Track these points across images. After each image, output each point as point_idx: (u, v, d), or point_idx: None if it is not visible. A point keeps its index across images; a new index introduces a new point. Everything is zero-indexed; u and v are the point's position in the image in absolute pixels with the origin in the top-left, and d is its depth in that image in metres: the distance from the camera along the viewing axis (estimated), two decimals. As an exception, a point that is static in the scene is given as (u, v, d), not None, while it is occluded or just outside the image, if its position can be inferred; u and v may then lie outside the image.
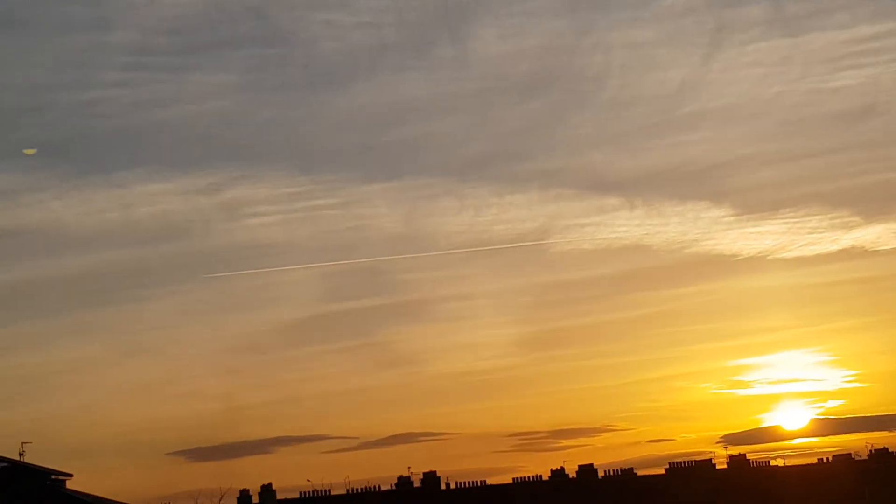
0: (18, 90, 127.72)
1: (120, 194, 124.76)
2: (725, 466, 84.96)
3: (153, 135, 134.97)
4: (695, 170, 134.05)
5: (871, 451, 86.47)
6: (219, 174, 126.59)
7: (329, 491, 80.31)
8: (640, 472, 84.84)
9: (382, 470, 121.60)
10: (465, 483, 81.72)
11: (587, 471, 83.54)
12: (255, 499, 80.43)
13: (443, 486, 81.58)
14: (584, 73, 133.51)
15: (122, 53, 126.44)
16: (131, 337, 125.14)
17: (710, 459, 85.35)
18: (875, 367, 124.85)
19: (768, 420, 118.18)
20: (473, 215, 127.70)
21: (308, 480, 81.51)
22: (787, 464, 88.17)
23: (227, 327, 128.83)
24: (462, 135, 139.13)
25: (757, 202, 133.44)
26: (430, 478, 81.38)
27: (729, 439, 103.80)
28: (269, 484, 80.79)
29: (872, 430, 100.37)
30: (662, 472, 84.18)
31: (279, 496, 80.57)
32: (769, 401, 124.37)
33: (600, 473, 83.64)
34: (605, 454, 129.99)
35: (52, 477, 65.01)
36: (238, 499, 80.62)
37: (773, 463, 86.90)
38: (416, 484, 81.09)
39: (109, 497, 67.82)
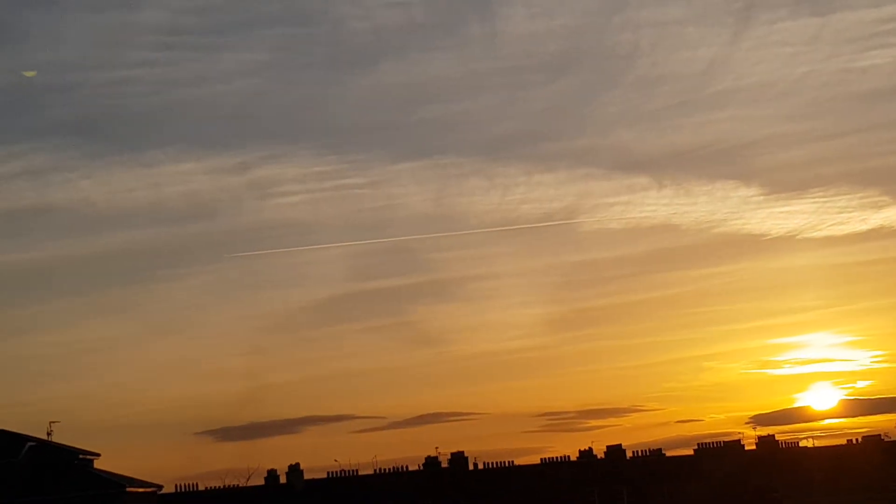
0: (48, 69, 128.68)
1: (149, 173, 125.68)
2: (754, 447, 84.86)
3: (182, 114, 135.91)
4: (723, 149, 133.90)
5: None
6: (247, 153, 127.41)
7: (356, 471, 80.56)
8: (668, 453, 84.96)
9: (410, 450, 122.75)
10: (492, 463, 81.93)
11: (615, 451, 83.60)
12: (283, 478, 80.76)
13: (470, 467, 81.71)
14: (613, 51, 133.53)
15: (151, 33, 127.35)
16: (159, 316, 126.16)
17: (739, 440, 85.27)
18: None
19: (797, 401, 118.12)
20: (502, 194, 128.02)
21: (335, 460, 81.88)
22: (816, 444, 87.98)
23: (256, 306, 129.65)
24: (490, 114, 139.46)
25: (786, 181, 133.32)
26: (458, 458, 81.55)
27: (758, 420, 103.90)
28: (297, 464, 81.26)
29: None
30: (691, 452, 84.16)
31: (306, 476, 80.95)
32: (798, 381, 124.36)
33: (628, 454, 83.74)
34: (634, 434, 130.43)
35: (80, 456, 65.69)
36: (265, 478, 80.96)
37: (802, 444, 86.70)
38: (444, 464, 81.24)
39: (137, 476, 68.41)
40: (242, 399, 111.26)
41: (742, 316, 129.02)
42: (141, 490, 66.36)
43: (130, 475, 68.07)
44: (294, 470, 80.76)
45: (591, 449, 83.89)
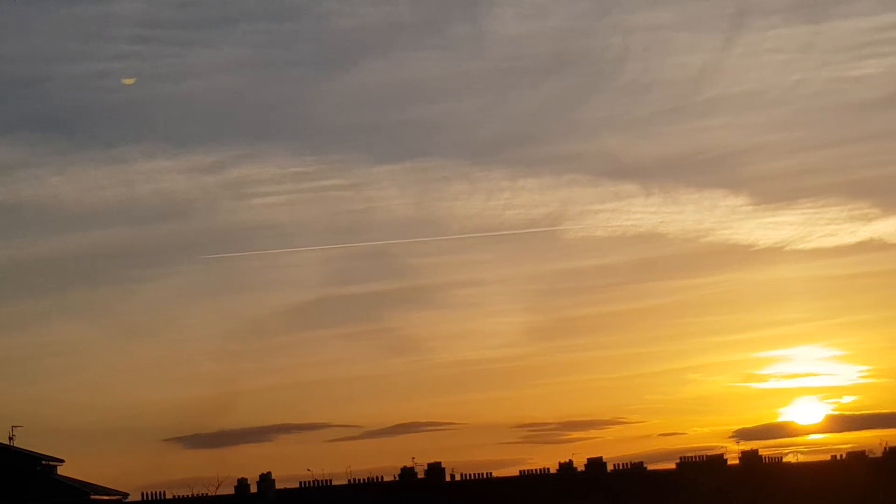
0: (19, 61, 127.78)
1: (121, 171, 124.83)
2: (737, 462, 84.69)
3: (157, 110, 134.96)
4: (713, 157, 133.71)
5: (885, 448, 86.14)
6: (224, 152, 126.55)
7: (330, 481, 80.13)
8: (650, 466, 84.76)
9: (386, 460, 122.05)
10: (470, 475, 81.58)
11: (596, 464, 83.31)
12: (254, 488, 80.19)
13: (447, 478, 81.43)
14: (603, 55, 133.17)
15: (126, 25, 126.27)
16: (129, 318, 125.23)
17: (722, 454, 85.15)
18: (891, 363, 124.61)
19: (782, 415, 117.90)
20: (485, 199, 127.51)
21: (308, 470, 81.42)
22: (800, 460, 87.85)
23: (229, 310, 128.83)
24: (475, 116, 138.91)
25: (775, 191, 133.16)
26: (435, 469, 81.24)
27: (742, 434, 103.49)
28: (269, 473, 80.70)
29: (887, 427, 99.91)
30: (673, 466, 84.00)
31: (278, 486, 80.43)
32: (783, 395, 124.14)
33: (609, 467, 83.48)
34: (615, 447, 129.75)
35: (43, 462, 64.94)
36: (235, 488, 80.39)
37: (786, 459, 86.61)
38: (421, 475, 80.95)
39: (102, 484, 67.75)
40: (213, 405, 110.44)
41: (727, 328, 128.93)
42: (106, 498, 65.66)
43: (95, 482, 67.51)
44: (265, 479, 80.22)
45: (571, 462, 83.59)
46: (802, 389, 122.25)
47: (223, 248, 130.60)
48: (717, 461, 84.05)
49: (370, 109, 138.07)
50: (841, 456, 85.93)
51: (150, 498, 77.23)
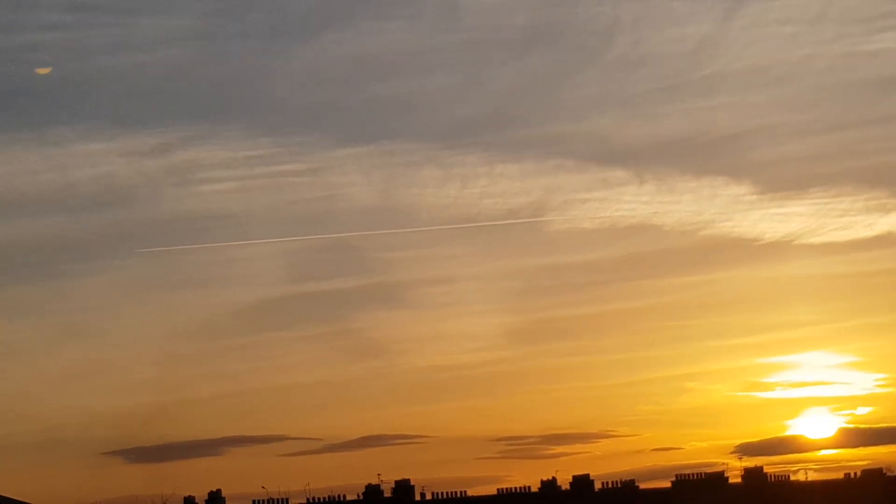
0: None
1: (54, 154, 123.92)
2: (740, 480, 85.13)
3: (94, 86, 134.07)
4: (712, 140, 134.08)
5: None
6: (168, 133, 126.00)
7: (287, 500, 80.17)
8: (642, 485, 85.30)
9: (349, 477, 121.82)
10: (442, 493, 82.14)
11: (582, 482, 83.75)
12: (201, 507, 79.64)
13: (417, 497, 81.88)
14: (590, 26, 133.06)
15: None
16: (63, 318, 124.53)
17: (723, 472, 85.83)
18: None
19: (790, 428, 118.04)
20: (460, 187, 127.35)
21: (263, 487, 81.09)
22: (809, 478, 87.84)
23: (174, 309, 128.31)
24: (448, 94, 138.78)
25: (782, 179, 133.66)
26: (403, 486, 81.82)
27: (745, 449, 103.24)
28: (218, 490, 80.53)
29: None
30: (668, 485, 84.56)
31: (228, 504, 79.84)
32: (791, 406, 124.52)
33: (597, 485, 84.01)
34: (604, 463, 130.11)
35: (-35, 478, 63.75)
36: (181, 507, 79.82)
37: (793, 477, 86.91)
38: (387, 493, 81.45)
39: (32, 502, 66.53)
40: (157, 415, 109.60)
41: (729, 331, 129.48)
42: (35, 518, 64.55)
43: (25, 500, 66.17)
44: (215, 497, 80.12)
45: (554, 479, 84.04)
46: (812, 400, 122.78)
47: (168, 240, 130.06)
48: (718, 479, 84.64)
49: (332, 86, 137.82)
50: (855, 474, 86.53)
51: (84, 518, 76.52)
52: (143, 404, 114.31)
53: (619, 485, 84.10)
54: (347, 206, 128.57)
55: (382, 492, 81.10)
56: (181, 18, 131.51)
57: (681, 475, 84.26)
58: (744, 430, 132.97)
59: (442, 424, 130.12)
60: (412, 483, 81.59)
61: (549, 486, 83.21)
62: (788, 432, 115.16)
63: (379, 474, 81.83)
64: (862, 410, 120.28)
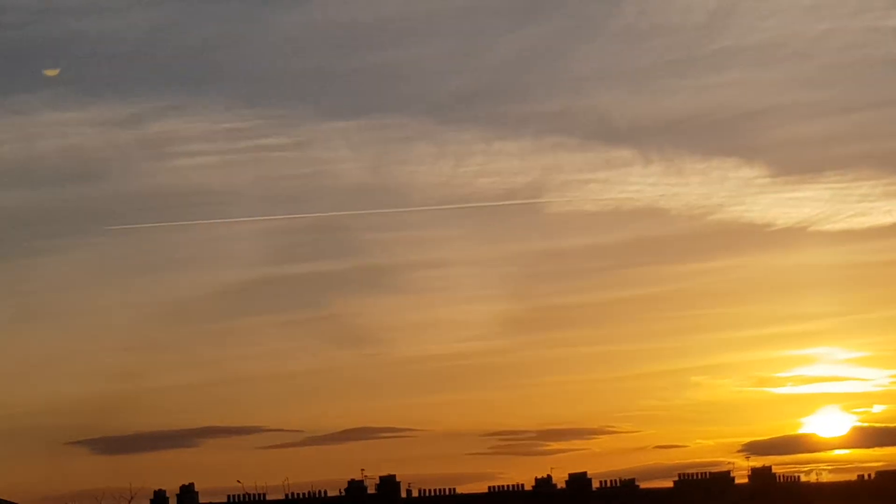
0: None
1: (19, 124, 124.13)
2: (747, 480, 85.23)
3: (63, 51, 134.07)
4: (723, 119, 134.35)
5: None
6: (143, 103, 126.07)
7: (264, 495, 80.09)
8: (643, 485, 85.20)
9: (330, 471, 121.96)
10: (430, 491, 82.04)
11: (579, 480, 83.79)
12: (173, 501, 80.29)
13: (403, 494, 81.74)
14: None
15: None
16: (28, 299, 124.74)
17: (729, 472, 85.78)
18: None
19: (801, 426, 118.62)
20: (454, 165, 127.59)
21: (238, 481, 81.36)
22: (820, 479, 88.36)
23: (147, 291, 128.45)
24: (443, 65, 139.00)
25: (796, 162, 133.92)
26: (389, 483, 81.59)
27: (752, 448, 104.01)
28: (191, 484, 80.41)
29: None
30: (670, 484, 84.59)
31: (202, 499, 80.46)
32: (803, 403, 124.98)
33: (595, 484, 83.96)
34: (603, 461, 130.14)
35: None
36: (151, 501, 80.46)
37: (804, 478, 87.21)
38: (371, 490, 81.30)
39: (-7, 494, 67.53)
40: (126, 403, 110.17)
41: (738, 322, 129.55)
42: (-3, 511, 65.44)
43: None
44: (187, 491, 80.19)
45: (549, 477, 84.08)
46: (825, 396, 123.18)
47: (141, 217, 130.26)
48: (723, 479, 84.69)
49: (319, 54, 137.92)
50: (869, 475, 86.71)
51: (49, 511, 77.20)
52: (112, 391, 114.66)
53: (618, 484, 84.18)
54: (334, 183, 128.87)
55: (366, 488, 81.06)
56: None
57: (684, 475, 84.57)
58: (752, 427, 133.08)
59: (431, 417, 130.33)
60: (398, 479, 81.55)
61: (544, 484, 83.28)
62: (799, 430, 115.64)
63: (363, 469, 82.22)
64: (877, 408, 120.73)
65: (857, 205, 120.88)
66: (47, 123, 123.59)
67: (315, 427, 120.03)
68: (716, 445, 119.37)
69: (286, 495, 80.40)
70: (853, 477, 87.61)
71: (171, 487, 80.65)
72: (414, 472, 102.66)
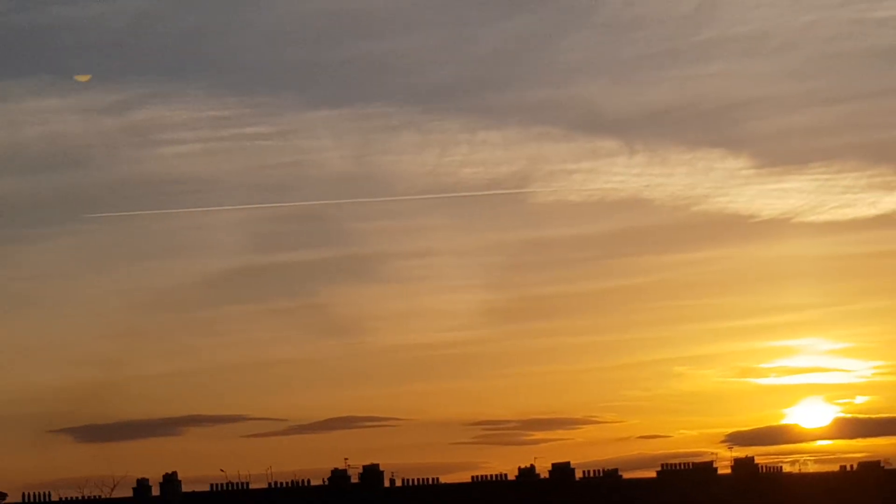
0: None
1: (2, 111, 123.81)
2: (729, 471, 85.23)
3: (46, 37, 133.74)
4: (708, 110, 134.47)
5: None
6: (127, 90, 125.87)
7: (247, 484, 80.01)
8: (626, 474, 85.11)
9: (314, 460, 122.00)
10: (413, 480, 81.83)
11: (562, 470, 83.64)
12: (156, 490, 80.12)
13: (387, 483, 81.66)
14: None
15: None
16: (9, 286, 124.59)
17: (712, 462, 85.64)
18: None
19: (784, 417, 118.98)
20: (439, 154, 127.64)
21: (222, 470, 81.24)
22: (803, 470, 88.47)
23: (130, 279, 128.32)
24: (428, 55, 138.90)
25: (781, 153, 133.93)
26: (372, 472, 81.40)
27: (735, 438, 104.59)
28: (174, 473, 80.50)
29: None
30: (653, 474, 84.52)
31: (185, 488, 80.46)
32: (786, 394, 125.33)
33: (578, 474, 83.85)
34: (586, 451, 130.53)
35: None
36: (134, 489, 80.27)
37: (786, 469, 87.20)
38: (355, 479, 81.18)
39: (-25, 482, 67.43)
40: (110, 392, 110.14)
41: (722, 313, 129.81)
42: (-21, 498, 65.38)
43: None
44: (170, 480, 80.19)
45: (533, 467, 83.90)
46: (808, 387, 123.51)
47: (124, 205, 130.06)
48: (706, 470, 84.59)
49: (303, 43, 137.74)
50: (852, 466, 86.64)
51: (33, 499, 77.02)
52: (95, 380, 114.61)
53: (601, 473, 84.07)
54: (318, 172, 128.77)
55: (349, 477, 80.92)
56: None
57: (667, 465, 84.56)
58: (735, 418, 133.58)
59: (415, 407, 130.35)
60: (381, 468, 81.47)
61: (528, 473, 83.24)
62: (782, 421, 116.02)
63: (346, 458, 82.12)
64: (860, 399, 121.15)
65: (841, 196, 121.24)
66: (30, 111, 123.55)
67: (298, 416, 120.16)
68: (699, 436, 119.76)
69: (269, 484, 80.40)
70: (836, 468, 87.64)
71: (154, 476, 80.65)
72: (397, 461, 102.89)
